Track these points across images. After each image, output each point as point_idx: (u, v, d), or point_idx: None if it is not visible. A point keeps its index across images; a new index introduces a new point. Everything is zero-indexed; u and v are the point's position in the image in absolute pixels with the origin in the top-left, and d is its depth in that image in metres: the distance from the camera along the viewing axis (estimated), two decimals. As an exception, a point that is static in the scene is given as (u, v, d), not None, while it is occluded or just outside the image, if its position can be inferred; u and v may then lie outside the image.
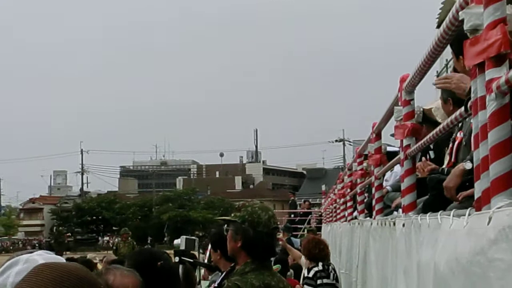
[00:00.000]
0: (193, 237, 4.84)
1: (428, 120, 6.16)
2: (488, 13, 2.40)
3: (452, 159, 4.91)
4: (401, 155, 4.76)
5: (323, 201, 28.74)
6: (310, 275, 9.44)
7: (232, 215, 4.46)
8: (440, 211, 3.27)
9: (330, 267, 9.63)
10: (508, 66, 2.34)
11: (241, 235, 4.23)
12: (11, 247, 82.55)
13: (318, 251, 9.56)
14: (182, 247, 4.88)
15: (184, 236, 4.92)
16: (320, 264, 9.43)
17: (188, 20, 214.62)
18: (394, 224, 4.86)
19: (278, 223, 4.60)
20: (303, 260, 10.21)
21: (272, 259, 5.49)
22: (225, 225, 4.53)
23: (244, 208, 4.35)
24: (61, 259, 2.73)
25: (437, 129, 3.92)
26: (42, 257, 2.64)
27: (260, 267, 4.20)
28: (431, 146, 6.47)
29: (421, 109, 5.14)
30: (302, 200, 37.29)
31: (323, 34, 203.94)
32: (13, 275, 2.55)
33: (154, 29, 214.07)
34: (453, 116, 3.57)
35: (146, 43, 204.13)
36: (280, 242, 14.94)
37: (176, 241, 4.96)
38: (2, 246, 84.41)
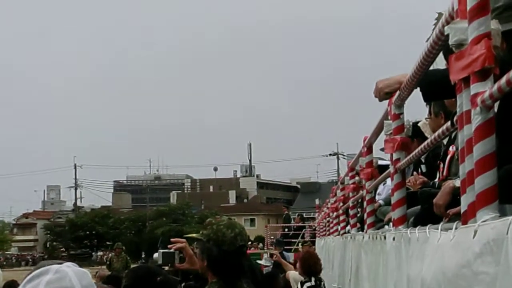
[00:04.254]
0: (172, 251, 4.69)
1: (420, 134, 6.20)
2: (473, 28, 2.42)
3: (444, 173, 4.93)
4: (391, 169, 4.77)
5: (316, 215, 28.74)
6: None
7: (200, 232, 4.36)
8: (429, 225, 3.29)
9: (322, 283, 9.66)
10: (492, 80, 2.36)
11: (206, 254, 4.13)
12: (5, 263, 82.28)
13: (315, 266, 9.60)
14: (160, 262, 4.76)
15: (161, 250, 4.77)
16: (313, 279, 9.45)
17: (187, 41, 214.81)
18: (385, 237, 4.87)
19: (248, 239, 4.46)
20: (293, 275, 10.22)
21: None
22: (194, 243, 4.45)
23: (210, 225, 4.21)
24: (87, 273, 2.76)
25: (425, 143, 3.94)
26: (72, 269, 2.68)
27: (224, 287, 4.09)
28: (423, 160, 6.50)
29: (411, 123, 5.17)
30: (296, 214, 37.30)
31: (317, 48, 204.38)
32: (44, 284, 2.58)
33: (150, 43, 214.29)
34: (440, 130, 3.59)
35: (141, 57, 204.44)
36: (274, 257, 14.93)
37: (154, 255, 4.83)
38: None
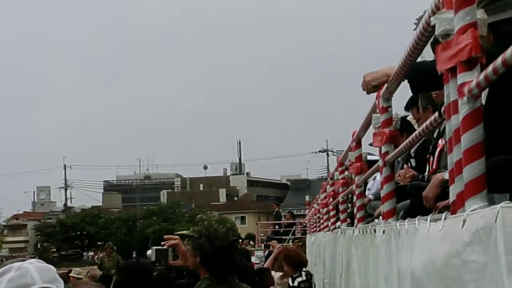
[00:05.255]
0: (165, 247, 4.66)
1: (409, 129, 6.20)
2: (459, 17, 2.42)
3: (434, 166, 4.94)
4: (380, 162, 4.77)
5: (307, 211, 28.75)
6: (295, 284, 9.47)
7: (191, 229, 4.34)
8: (418, 216, 3.29)
9: (312, 277, 9.68)
10: (479, 70, 2.36)
11: (198, 251, 4.11)
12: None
13: (299, 257, 9.62)
14: (153, 259, 4.74)
15: (155, 247, 4.75)
16: (303, 273, 9.46)
17: (173, 33, 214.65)
18: (375, 231, 4.87)
19: (239, 234, 4.45)
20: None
21: None
22: (185, 240, 4.43)
23: (201, 221, 4.18)
24: (51, 268, 2.77)
25: (413, 135, 3.95)
26: (34, 265, 2.70)
27: (217, 282, 4.08)
28: (412, 154, 6.51)
29: (399, 116, 5.17)
30: (287, 211, 37.29)
31: (307, 44, 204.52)
32: (5, 282, 2.63)
33: (138, 44, 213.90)
34: (428, 122, 3.60)
35: (130, 57, 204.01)
36: (277, 247, 14.90)
37: (148, 252, 4.80)
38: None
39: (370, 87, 4.56)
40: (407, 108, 6.36)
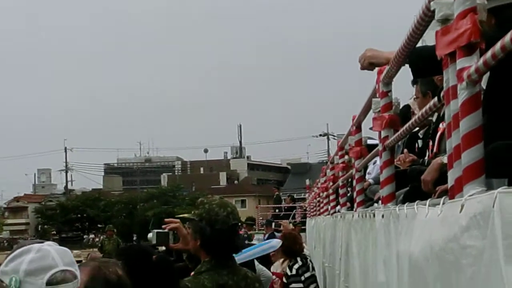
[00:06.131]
0: (166, 231, 4.66)
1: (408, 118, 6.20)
2: (459, 2, 2.42)
3: (435, 150, 4.95)
4: (379, 147, 4.78)
5: (307, 195, 28.79)
6: (294, 272, 9.47)
7: (192, 212, 4.34)
8: (417, 201, 3.30)
9: (308, 260, 9.68)
10: (478, 55, 2.36)
11: (199, 234, 4.12)
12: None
13: (298, 247, 9.60)
14: (154, 242, 4.74)
15: (155, 230, 4.75)
16: (299, 259, 9.47)
17: (172, 15, 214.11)
18: (374, 215, 4.88)
19: (240, 218, 4.45)
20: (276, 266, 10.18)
21: None
22: (186, 223, 4.44)
23: (202, 205, 4.20)
24: (68, 251, 2.78)
25: (413, 119, 3.95)
26: (53, 247, 2.71)
27: (217, 266, 4.09)
28: (420, 135, 6.51)
29: (399, 101, 5.17)
30: (287, 195, 37.34)
31: (305, 26, 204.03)
32: (26, 263, 2.63)
33: (137, 24, 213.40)
34: (427, 107, 3.60)
35: (129, 39, 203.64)
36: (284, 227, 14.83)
37: (149, 235, 4.80)
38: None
39: (367, 62, 4.54)
40: (414, 83, 6.30)
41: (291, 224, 23.05)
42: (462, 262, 2.23)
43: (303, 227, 21.91)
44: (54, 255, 2.66)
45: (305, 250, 11.75)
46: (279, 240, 8.77)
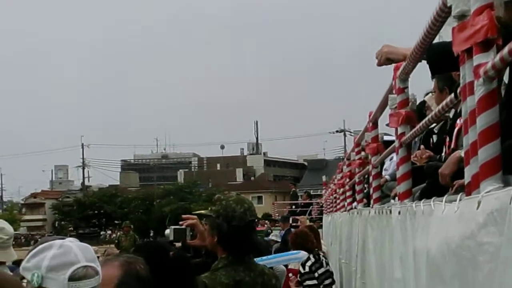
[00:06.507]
0: (183, 227, 4.67)
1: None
2: (475, -2, 2.41)
3: (452, 145, 4.93)
4: (396, 143, 4.77)
5: (323, 191, 28.76)
6: (307, 269, 9.45)
7: (209, 209, 4.34)
8: (434, 198, 3.29)
9: (321, 256, 9.66)
10: (495, 51, 2.36)
11: (216, 230, 4.12)
12: (14, 242, 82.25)
13: (310, 244, 9.57)
14: (171, 238, 4.75)
15: (173, 226, 4.76)
16: (311, 256, 9.44)
17: (189, 21, 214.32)
18: (391, 212, 4.88)
19: (256, 214, 4.44)
20: None
21: None
22: (203, 220, 4.44)
23: (219, 201, 4.21)
24: (90, 248, 2.80)
25: (429, 116, 3.94)
26: (75, 244, 2.74)
27: (234, 262, 4.10)
28: (435, 131, 6.48)
29: (415, 97, 5.16)
30: (304, 191, 37.32)
31: (323, 25, 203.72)
32: (49, 258, 2.65)
33: (155, 26, 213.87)
34: (444, 103, 3.58)
35: (147, 39, 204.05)
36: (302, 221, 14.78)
37: (166, 232, 4.81)
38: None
39: (384, 58, 4.55)
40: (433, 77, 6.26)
41: (308, 220, 23.07)
42: (479, 259, 2.22)
43: (320, 223, 21.90)
44: (76, 251, 2.67)
45: (323, 246, 11.74)
46: (306, 253, 8.75)
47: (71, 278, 2.60)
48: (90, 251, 2.77)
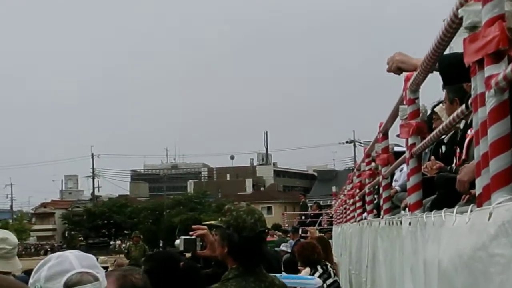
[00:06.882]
0: (193, 237, 4.66)
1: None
2: (487, 10, 2.41)
3: (463, 156, 4.92)
4: (406, 154, 4.76)
5: (333, 202, 28.74)
6: None
7: (219, 219, 4.32)
8: (444, 209, 3.28)
9: (328, 266, 9.63)
10: (507, 62, 2.35)
11: (227, 241, 4.10)
12: (23, 252, 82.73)
13: (316, 256, 9.55)
14: (181, 248, 4.74)
15: (183, 237, 4.75)
16: (319, 267, 9.42)
17: (201, 31, 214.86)
18: (401, 223, 4.86)
19: (266, 225, 4.43)
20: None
21: None
22: (213, 230, 4.43)
23: (229, 212, 4.19)
24: (91, 257, 2.82)
25: (440, 127, 3.93)
26: (73, 253, 2.78)
27: (245, 273, 4.07)
28: (444, 141, 6.47)
29: (426, 108, 5.15)
30: (313, 201, 37.27)
31: (334, 35, 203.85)
32: (46, 269, 2.72)
33: (167, 35, 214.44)
34: (454, 114, 3.57)
35: (159, 49, 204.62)
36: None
37: (176, 242, 4.81)
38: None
39: (395, 66, 4.52)
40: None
41: (317, 231, 23.03)
42: (491, 271, 2.21)
43: (330, 234, 21.85)
44: (72, 259, 2.72)
45: (334, 258, 11.70)
46: (320, 281, 8.71)
47: (66, 285, 2.63)
48: (89, 259, 2.80)
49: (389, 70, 4.59)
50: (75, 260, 2.71)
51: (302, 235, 20.02)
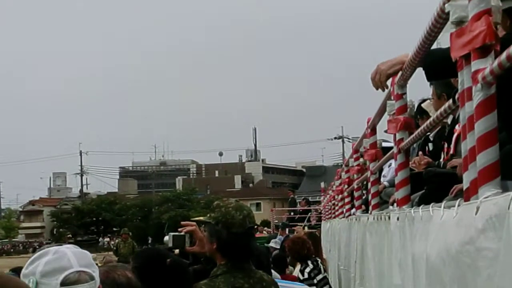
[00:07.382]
0: (182, 234, 4.66)
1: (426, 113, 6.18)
2: (473, 4, 2.42)
3: (451, 151, 4.93)
4: (394, 149, 4.77)
5: (322, 198, 28.74)
6: (306, 276, 9.43)
7: (208, 215, 4.33)
8: (432, 203, 3.29)
9: (319, 262, 9.64)
10: (493, 57, 2.36)
11: (215, 237, 4.10)
12: (12, 250, 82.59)
13: (306, 251, 9.55)
14: (170, 245, 4.74)
15: (172, 233, 4.75)
16: (309, 262, 9.42)
17: (191, 30, 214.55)
18: (389, 218, 4.87)
19: (255, 221, 4.43)
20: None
21: None
22: (202, 226, 4.43)
23: (218, 208, 4.18)
24: (87, 254, 2.80)
25: (428, 122, 3.94)
26: (71, 250, 2.74)
27: (233, 269, 4.08)
28: (431, 139, 6.48)
29: (414, 103, 5.15)
30: (302, 197, 37.26)
31: (321, 33, 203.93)
32: (42, 264, 2.66)
33: (156, 33, 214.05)
34: (442, 109, 3.58)
35: (147, 48, 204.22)
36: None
37: (165, 238, 4.80)
38: (3, 249, 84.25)
39: (384, 76, 4.31)
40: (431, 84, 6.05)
41: (306, 228, 23.01)
42: (479, 265, 2.22)
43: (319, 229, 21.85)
44: (70, 256, 2.68)
45: (324, 254, 11.71)
46: None
47: (63, 283, 2.61)
48: (86, 257, 2.77)
49: (377, 86, 4.32)
50: (73, 258, 2.68)
51: (289, 235, 20.02)
